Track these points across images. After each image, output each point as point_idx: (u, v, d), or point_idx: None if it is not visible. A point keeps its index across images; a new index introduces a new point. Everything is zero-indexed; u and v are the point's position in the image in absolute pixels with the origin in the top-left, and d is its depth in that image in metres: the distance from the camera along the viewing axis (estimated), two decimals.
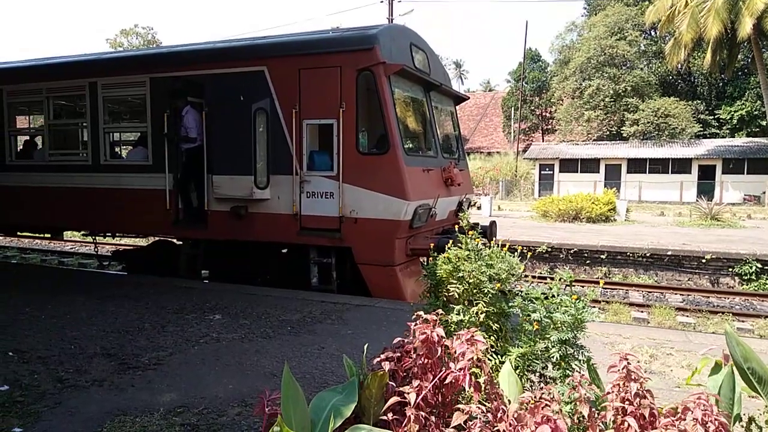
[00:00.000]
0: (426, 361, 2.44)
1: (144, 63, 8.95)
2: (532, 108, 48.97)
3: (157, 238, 10.17)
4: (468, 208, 9.47)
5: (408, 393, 2.30)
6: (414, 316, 2.64)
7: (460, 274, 3.56)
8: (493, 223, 8.78)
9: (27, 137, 11.77)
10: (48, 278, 8.89)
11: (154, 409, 3.70)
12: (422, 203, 7.42)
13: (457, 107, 10.30)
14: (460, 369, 2.29)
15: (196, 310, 6.45)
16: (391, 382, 2.47)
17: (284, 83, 7.59)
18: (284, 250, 8.39)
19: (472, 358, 2.30)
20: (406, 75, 7.68)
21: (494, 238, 8.65)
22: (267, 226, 7.83)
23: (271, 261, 8.37)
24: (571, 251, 14.08)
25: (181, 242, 9.18)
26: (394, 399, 2.33)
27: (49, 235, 13.61)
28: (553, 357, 3.04)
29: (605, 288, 12.01)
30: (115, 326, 5.72)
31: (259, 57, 7.82)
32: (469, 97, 11.74)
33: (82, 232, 11.96)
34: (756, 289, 12.21)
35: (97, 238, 11.08)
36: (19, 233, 13.86)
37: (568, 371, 3.02)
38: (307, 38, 7.82)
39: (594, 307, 10.41)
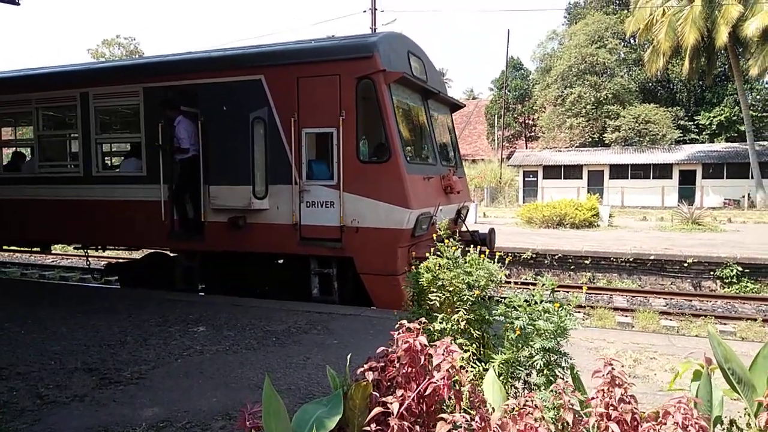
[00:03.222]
0: (409, 370, 2.43)
1: (137, 72, 8.77)
2: (515, 116, 49.52)
3: (151, 251, 9.98)
4: (465, 218, 9.45)
5: (391, 403, 2.29)
6: (397, 326, 2.63)
7: (440, 283, 3.57)
8: (491, 231, 8.74)
9: (15, 149, 11.56)
10: (28, 292, 8.73)
11: (136, 424, 3.64)
12: (424, 211, 7.34)
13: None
14: (441, 378, 2.29)
15: (179, 322, 6.37)
16: (375, 393, 2.46)
17: (282, 92, 7.50)
18: (282, 261, 8.24)
19: (450, 367, 2.30)
20: (405, 83, 7.60)
21: (494, 246, 8.61)
22: (266, 237, 7.69)
23: (270, 272, 8.21)
24: (556, 257, 14.18)
25: (175, 254, 8.98)
26: (377, 409, 2.31)
27: (38, 249, 13.29)
28: (536, 364, 3.05)
29: (590, 293, 12.11)
30: (97, 340, 5.63)
31: (255, 66, 7.70)
32: (465, 105, 11.71)
33: (74, 246, 11.70)
34: (737, 292, 12.38)
35: (89, 251, 10.86)
36: (5, 247, 13.53)
37: (551, 378, 3.03)
38: (305, 46, 7.71)
39: (579, 312, 10.47)
